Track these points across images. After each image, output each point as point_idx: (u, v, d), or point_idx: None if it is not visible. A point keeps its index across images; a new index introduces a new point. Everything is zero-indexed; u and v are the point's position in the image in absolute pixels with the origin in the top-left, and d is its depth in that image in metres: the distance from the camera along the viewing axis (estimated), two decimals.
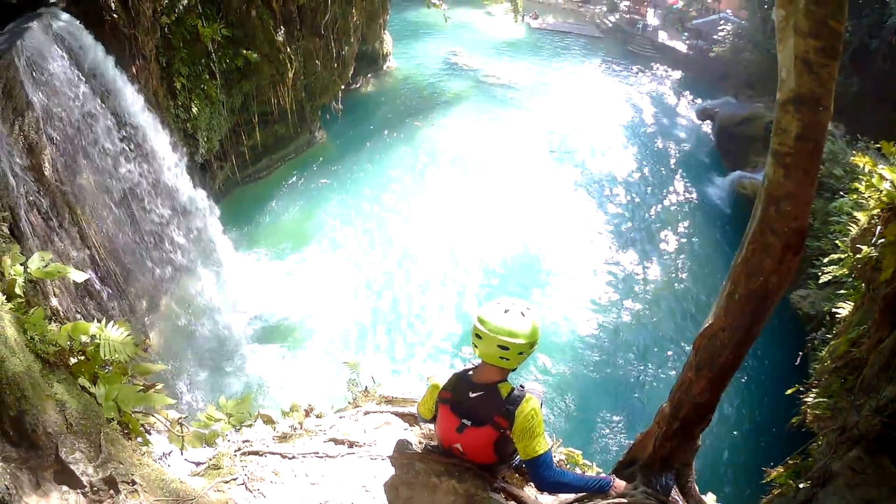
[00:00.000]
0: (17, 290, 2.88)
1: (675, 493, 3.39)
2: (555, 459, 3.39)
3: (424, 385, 3.48)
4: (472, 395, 3.14)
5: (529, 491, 3.66)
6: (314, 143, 21.17)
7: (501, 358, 3.01)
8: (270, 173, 19.34)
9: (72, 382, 2.51)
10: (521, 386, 3.19)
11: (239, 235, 16.03)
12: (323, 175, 20.03)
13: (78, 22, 9.54)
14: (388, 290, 16.16)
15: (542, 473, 3.05)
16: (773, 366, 13.79)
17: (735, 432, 13.32)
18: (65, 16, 9.35)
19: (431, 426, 3.86)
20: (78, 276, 3.42)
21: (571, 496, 3.37)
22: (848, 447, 4.55)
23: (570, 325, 15.57)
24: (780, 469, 6.21)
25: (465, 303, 15.92)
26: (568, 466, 4.79)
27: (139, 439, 2.90)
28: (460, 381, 3.22)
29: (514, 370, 3.19)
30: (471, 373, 3.23)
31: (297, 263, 16.37)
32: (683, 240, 19.77)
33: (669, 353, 15.45)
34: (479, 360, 3.19)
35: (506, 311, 3.04)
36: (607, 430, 13.22)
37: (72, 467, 2.13)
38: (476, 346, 3.08)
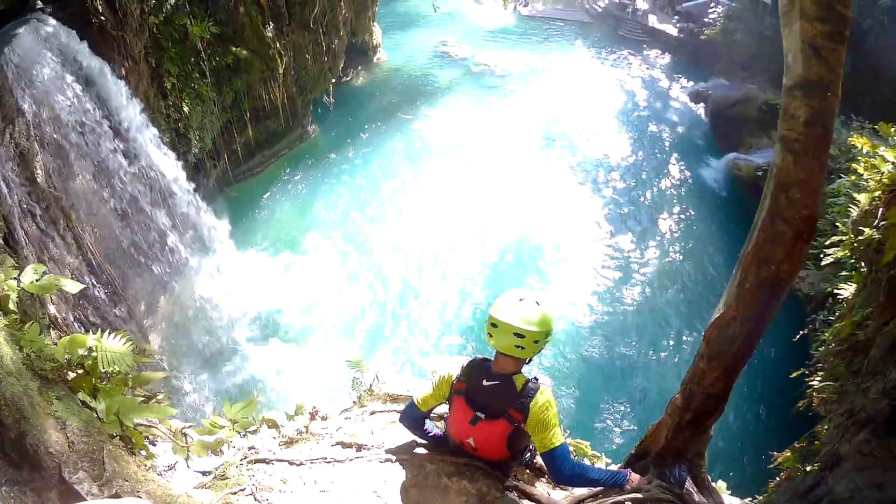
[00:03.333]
0: (11, 306, 2.81)
1: (688, 485, 3.37)
2: None
3: (429, 380, 3.41)
4: (487, 383, 3.11)
5: (541, 487, 3.63)
6: (307, 138, 21.07)
7: (517, 346, 3.01)
8: (264, 169, 19.28)
9: (71, 398, 2.45)
10: (535, 378, 3.16)
11: (235, 233, 15.93)
12: (317, 169, 19.94)
13: (66, 26, 9.42)
14: (387, 282, 16.12)
15: (560, 465, 3.03)
16: (774, 347, 13.77)
17: (737, 415, 13.30)
18: (52, 21, 9.25)
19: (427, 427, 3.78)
20: (72, 287, 3.34)
21: (585, 491, 3.34)
22: (856, 430, 4.52)
23: (570, 311, 15.54)
24: (788, 453, 6.18)
25: (466, 293, 15.86)
26: (577, 458, 4.76)
27: (143, 453, 2.84)
28: (475, 370, 3.19)
29: (528, 361, 3.18)
30: (487, 363, 3.21)
31: (295, 259, 16.32)
32: (680, 223, 19.73)
33: (670, 337, 15.45)
34: (494, 353, 3.17)
35: (520, 300, 3.07)
36: (612, 419, 13.21)
37: (76, 487, 2.08)
38: (491, 336, 3.08)
